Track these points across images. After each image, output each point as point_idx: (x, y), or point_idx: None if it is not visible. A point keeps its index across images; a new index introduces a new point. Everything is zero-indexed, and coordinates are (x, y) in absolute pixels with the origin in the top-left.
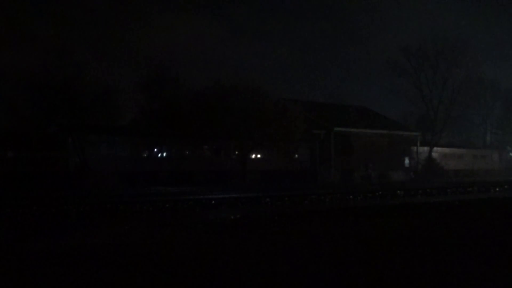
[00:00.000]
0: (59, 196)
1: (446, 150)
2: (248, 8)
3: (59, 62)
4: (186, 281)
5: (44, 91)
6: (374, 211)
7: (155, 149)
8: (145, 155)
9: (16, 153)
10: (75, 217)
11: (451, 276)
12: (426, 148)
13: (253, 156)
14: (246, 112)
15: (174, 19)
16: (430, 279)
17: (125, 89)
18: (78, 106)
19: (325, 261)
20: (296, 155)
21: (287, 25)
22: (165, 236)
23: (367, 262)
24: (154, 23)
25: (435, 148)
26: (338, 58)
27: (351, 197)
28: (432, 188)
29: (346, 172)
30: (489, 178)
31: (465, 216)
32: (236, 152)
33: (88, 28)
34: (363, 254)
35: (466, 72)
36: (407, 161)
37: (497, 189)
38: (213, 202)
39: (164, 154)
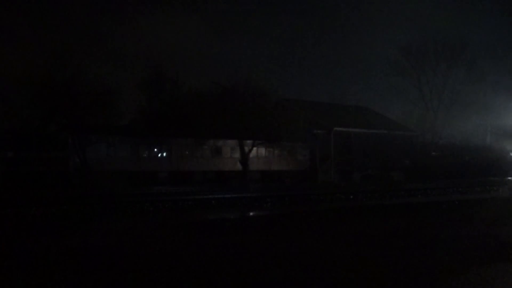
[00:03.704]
0: (59, 196)
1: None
2: (248, 8)
3: (59, 62)
4: (186, 281)
5: (44, 91)
6: (374, 211)
7: (155, 149)
8: (145, 155)
9: (16, 153)
10: (75, 217)
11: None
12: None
13: (253, 156)
14: (246, 112)
15: (169, 20)
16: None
17: (125, 89)
18: (78, 106)
19: (316, 263)
20: (296, 155)
21: (286, 25)
22: (165, 236)
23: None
24: (152, 23)
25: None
26: (338, 58)
27: (351, 197)
28: (432, 188)
29: (346, 172)
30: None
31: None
32: (236, 152)
33: (87, 28)
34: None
35: (466, 72)
36: (407, 161)
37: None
38: (213, 202)
39: (164, 154)
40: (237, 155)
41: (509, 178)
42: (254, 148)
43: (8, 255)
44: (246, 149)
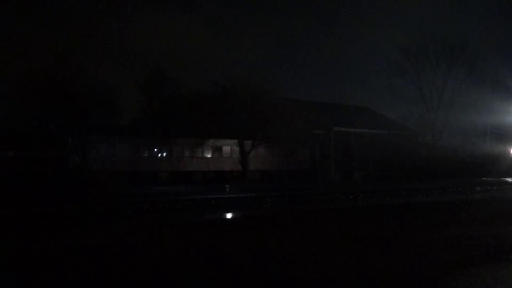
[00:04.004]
0: (59, 196)
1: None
2: (248, 8)
3: (59, 62)
4: (186, 281)
5: (44, 91)
6: (373, 211)
7: (155, 149)
8: (145, 155)
9: (16, 153)
10: (75, 217)
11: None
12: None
13: (253, 156)
14: (246, 112)
15: (169, 20)
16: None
17: (125, 89)
18: (78, 106)
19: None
20: (296, 155)
21: (286, 25)
22: (164, 236)
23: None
24: (152, 24)
25: None
26: (338, 58)
27: (351, 197)
28: (431, 188)
29: (346, 172)
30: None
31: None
32: (236, 152)
33: (87, 28)
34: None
35: (466, 72)
36: (407, 160)
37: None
38: (213, 202)
39: (164, 154)
40: (237, 155)
41: (508, 179)
42: (254, 148)
43: (8, 255)
44: (246, 149)
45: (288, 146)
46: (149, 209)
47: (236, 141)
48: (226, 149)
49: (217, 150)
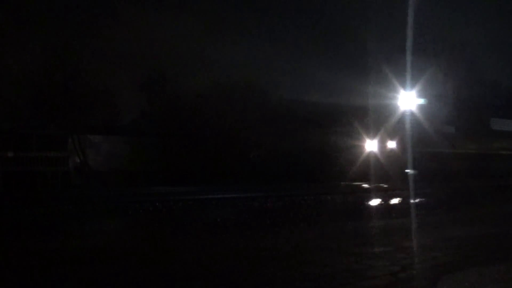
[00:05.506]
0: (59, 196)
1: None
2: (247, 8)
3: (59, 62)
4: (185, 282)
5: (44, 91)
6: (370, 211)
7: (155, 149)
8: (145, 155)
9: (16, 153)
10: (75, 217)
11: None
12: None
13: (254, 156)
14: (246, 112)
15: (169, 20)
16: None
17: (125, 89)
18: (78, 106)
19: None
20: (296, 155)
21: (287, 25)
22: (164, 237)
23: None
24: (152, 24)
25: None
26: (338, 57)
27: (351, 196)
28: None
29: (345, 171)
30: None
31: None
32: (236, 152)
33: (87, 28)
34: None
35: (466, 72)
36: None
37: None
38: (213, 202)
39: (164, 154)
40: (237, 155)
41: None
42: (254, 148)
43: (8, 255)
44: (246, 149)
45: (288, 145)
46: (149, 209)
47: (236, 141)
48: (226, 149)
49: (217, 149)
